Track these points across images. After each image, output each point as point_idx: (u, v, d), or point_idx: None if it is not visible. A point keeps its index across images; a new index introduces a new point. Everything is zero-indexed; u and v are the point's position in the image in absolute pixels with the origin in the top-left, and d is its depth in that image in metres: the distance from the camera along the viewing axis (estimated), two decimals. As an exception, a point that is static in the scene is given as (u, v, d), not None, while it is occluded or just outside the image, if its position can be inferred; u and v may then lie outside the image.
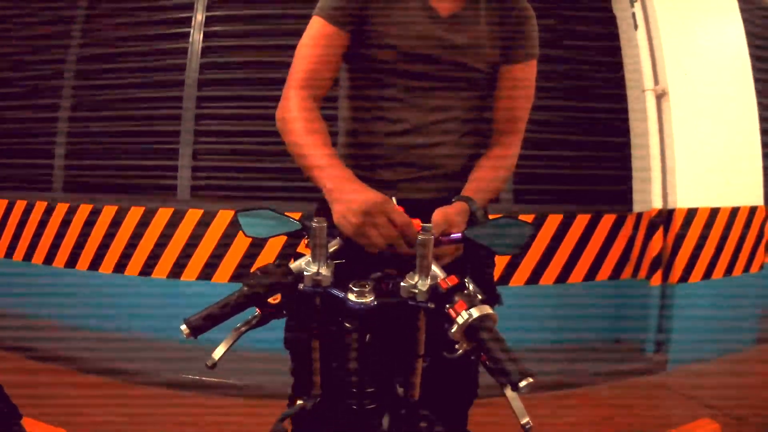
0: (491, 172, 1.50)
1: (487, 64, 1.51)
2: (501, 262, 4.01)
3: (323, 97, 1.47)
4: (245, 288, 1.09)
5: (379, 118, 1.50)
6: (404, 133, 1.49)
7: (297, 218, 1.23)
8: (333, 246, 1.17)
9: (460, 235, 1.20)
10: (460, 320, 1.01)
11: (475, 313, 1.00)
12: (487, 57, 1.50)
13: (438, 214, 1.27)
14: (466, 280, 1.07)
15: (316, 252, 1.11)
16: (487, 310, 1.02)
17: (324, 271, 1.11)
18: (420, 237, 1.08)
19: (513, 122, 1.57)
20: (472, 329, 1.00)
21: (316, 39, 1.45)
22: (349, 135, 1.57)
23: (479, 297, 1.04)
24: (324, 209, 1.36)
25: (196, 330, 1.05)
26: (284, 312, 1.13)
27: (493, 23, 1.50)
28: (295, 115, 1.39)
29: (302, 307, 1.14)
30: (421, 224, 1.16)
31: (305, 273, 1.11)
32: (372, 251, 1.18)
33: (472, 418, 1.57)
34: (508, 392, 1.03)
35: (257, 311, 1.12)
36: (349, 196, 1.21)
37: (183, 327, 1.04)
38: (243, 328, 1.13)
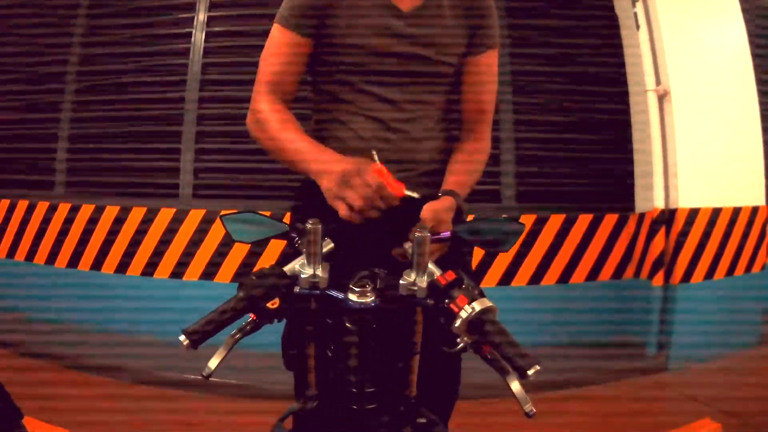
0: (469, 165, 1.53)
1: (451, 56, 1.53)
2: (503, 262, 4.01)
3: (292, 100, 1.52)
4: (242, 294, 1.08)
5: (356, 116, 1.51)
6: (382, 129, 1.50)
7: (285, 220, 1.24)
8: (326, 247, 1.17)
9: (449, 233, 1.22)
10: (463, 314, 1.02)
11: (477, 306, 1.02)
12: (451, 49, 1.52)
13: (428, 212, 1.30)
14: (462, 275, 1.08)
15: (311, 254, 1.11)
16: (488, 303, 1.04)
17: (320, 272, 1.11)
18: (416, 235, 1.09)
19: (482, 113, 1.60)
20: (475, 323, 1.02)
21: (278, 47, 1.48)
22: (324, 137, 1.55)
23: (477, 290, 1.05)
24: (300, 209, 1.44)
25: (195, 341, 1.04)
26: (280, 316, 1.13)
27: (455, 15, 1.52)
28: (267, 116, 1.44)
29: (299, 310, 1.14)
30: (417, 224, 1.17)
31: (301, 275, 1.11)
32: (353, 219, 1.20)
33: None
34: (511, 381, 1.04)
35: (251, 317, 1.12)
36: (329, 166, 1.25)
37: (182, 338, 1.04)
38: (237, 336, 1.12)
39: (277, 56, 1.48)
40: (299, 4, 1.45)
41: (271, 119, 1.43)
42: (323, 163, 1.28)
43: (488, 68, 1.58)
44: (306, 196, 1.49)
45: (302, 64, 1.50)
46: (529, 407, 1.03)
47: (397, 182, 1.21)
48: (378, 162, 1.24)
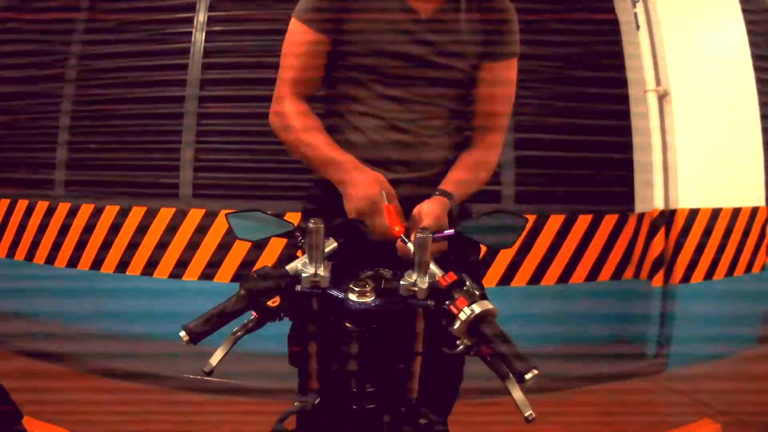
0: (472, 172, 1.53)
1: (467, 64, 1.52)
2: (503, 262, 4.01)
3: (314, 97, 1.53)
4: (243, 291, 1.08)
5: (366, 117, 1.51)
6: (392, 131, 1.50)
7: (291, 220, 1.24)
8: (329, 246, 1.17)
9: (452, 231, 1.22)
10: (462, 316, 1.02)
11: (477, 308, 1.02)
12: (468, 56, 1.51)
13: (418, 215, 1.34)
14: (463, 276, 1.08)
15: (313, 253, 1.11)
16: (488, 305, 1.03)
17: (321, 272, 1.11)
18: (418, 236, 1.09)
19: (494, 121, 1.59)
20: (474, 325, 1.02)
21: (299, 44, 1.49)
22: (336, 135, 1.55)
23: (478, 292, 1.04)
24: (311, 209, 1.49)
25: (195, 336, 1.04)
26: (282, 315, 1.13)
27: (474, 22, 1.51)
28: (293, 119, 1.46)
29: (301, 308, 1.14)
30: (419, 227, 1.18)
31: (303, 274, 1.11)
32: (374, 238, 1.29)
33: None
34: (511, 385, 1.04)
35: (253, 315, 1.12)
36: (350, 190, 1.37)
37: (182, 334, 1.04)
38: (239, 333, 1.12)
39: (297, 53, 1.48)
40: (319, 2, 1.45)
41: (296, 122, 1.46)
42: (346, 185, 1.38)
43: (504, 77, 1.57)
44: (319, 198, 1.52)
45: (322, 61, 1.50)
46: (528, 412, 1.03)
47: (400, 223, 1.27)
48: (387, 202, 1.31)
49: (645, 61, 4.07)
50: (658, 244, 4.04)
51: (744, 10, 4.35)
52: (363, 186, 1.35)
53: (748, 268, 4.33)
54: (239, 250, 3.95)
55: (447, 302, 1.05)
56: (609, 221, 4.19)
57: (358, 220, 1.33)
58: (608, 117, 4.31)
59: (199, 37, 4.25)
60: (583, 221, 4.15)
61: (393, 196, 1.35)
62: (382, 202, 1.31)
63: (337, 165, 1.41)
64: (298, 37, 1.48)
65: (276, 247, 3.75)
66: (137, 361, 3.62)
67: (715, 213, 4.12)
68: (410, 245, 1.15)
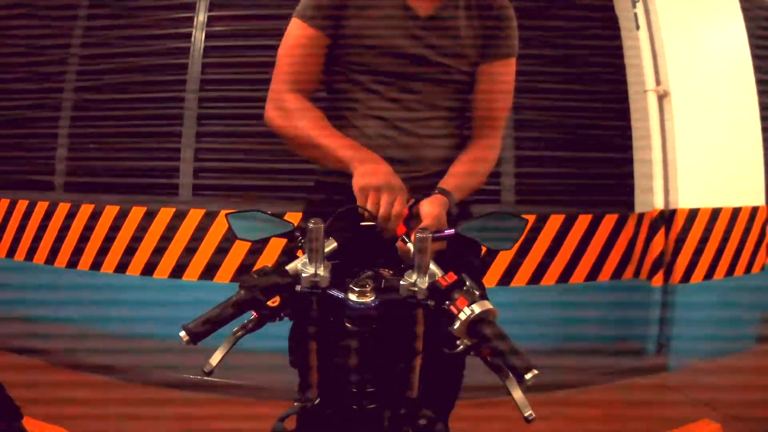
0: (471, 171, 1.52)
1: (466, 63, 1.52)
2: (503, 262, 4.01)
3: (313, 96, 1.52)
4: (242, 291, 1.08)
5: (365, 116, 1.51)
6: (391, 130, 1.50)
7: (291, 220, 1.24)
8: (329, 246, 1.17)
9: (452, 231, 1.22)
10: (462, 316, 1.02)
11: (477, 309, 1.02)
12: (466, 56, 1.52)
13: (422, 216, 1.33)
14: (463, 276, 1.08)
15: (313, 253, 1.11)
16: (488, 305, 1.03)
17: (321, 271, 1.11)
18: (418, 236, 1.09)
19: (492, 120, 1.59)
20: (474, 325, 1.02)
21: (296, 40, 1.49)
22: None
23: (478, 292, 1.05)
24: (311, 210, 1.47)
25: (195, 337, 1.04)
26: (282, 315, 1.13)
27: (473, 22, 1.51)
28: (296, 109, 1.45)
29: (301, 309, 1.14)
30: (419, 227, 1.19)
31: (303, 274, 1.11)
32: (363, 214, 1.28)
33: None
34: (511, 385, 1.04)
35: (253, 315, 1.12)
36: (375, 164, 1.33)
37: (182, 334, 1.04)
38: (239, 333, 1.12)
39: (296, 49, 1.49)
40: (318, 0, 1.46)
41: (300, 113, 1.45)
42: (365, 160, 1.34)
43: (502, 76, 1.57)
44: (319, 198, 1.51)
45: (321, 58, 1.50)
46: (528, 412, 1.03)
47: (402, 226, 1.28)
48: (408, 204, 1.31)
49: (645, 61, 4.07)
50: (657, 244, 4.04)
51: (744, 10, 4.35)
52: (384, 164, 1.35)
53: (748, 268, 4.33)
54: (239, 251, 3.95)
55: (447, 302, 1.05)
56: (609, 221, 4.18)
57: (362, 207, 1.30)
58: (608, 117, 4.31)
59: (199, 36, 4.26)
60: (583, 221, 4.14)
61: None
62: (398, 182, 1.31)
63: (351, 145, 1.39)
64: (297, 32, 1.48)
65: (276, 247, 3.74)
66: (137, 362, 3.62)
67: (715, 213, 4.12)
68: (410, 245, 1.16)
